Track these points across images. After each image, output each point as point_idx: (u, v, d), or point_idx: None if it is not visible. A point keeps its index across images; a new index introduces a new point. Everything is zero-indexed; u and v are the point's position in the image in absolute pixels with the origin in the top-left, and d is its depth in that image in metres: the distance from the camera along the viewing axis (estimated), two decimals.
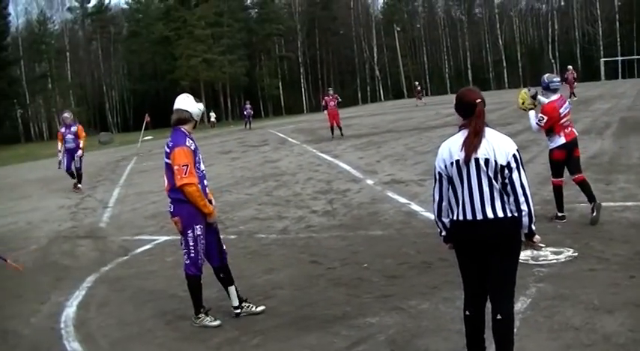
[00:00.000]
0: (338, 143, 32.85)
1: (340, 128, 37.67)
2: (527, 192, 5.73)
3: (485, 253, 5.85)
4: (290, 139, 39.63)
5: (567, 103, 12.12)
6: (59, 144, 24.72)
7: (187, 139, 8.08)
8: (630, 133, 23.29)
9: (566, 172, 11.83)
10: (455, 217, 5.98)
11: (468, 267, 6.10)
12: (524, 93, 12.20)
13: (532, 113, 11.98)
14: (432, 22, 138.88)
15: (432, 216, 13.24)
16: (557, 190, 12.00)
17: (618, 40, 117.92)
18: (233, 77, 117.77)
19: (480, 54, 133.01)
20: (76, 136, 24.48)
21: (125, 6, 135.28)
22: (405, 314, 8.01)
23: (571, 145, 11.78)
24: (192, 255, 8.17)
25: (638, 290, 8.01)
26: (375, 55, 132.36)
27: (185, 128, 8.21)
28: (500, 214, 5.73)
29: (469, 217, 5.85)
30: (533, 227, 5.87)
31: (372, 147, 29.07)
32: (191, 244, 8.14)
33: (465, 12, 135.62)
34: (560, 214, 11.85)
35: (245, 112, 67.67)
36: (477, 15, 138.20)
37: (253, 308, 8.61)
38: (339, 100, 39.09)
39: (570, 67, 55.22)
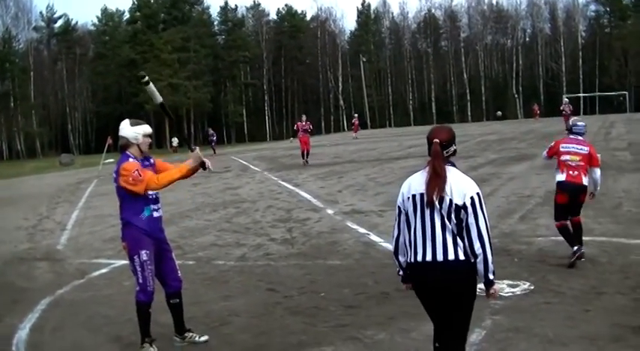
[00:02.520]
0: (299, 172, 32.86)
1: (308, 154, 38.51)
2: (483, 237, 5.49)
3: (437, 297, 5.70)
4: (252, 167, 39.61)
5: (580, 146, 11.69)
6: None
7: (130, 158, 8.01)
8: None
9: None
10: (409, 259, 5.82)
11: (427, 307, 5.92)
12: None
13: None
14: (398, 54, 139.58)
15: (390, 247, 13.30)
16: (563, 231, 11.50)
17: (581, 77, 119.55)
18: (197, 103, 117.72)
19: (444, 87, 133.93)
20: None
21: (92, 27, 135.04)
22: (361, 344, 8.00)
23: (573, 189, 11.53)
24: (141, 281, 8.04)
25: (593, 324, 8.07)
26: (340, 84, 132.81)
27: (131, 152, 8.14)
28: (451, 256, 5.51)
29: (419, 258, 5.65)
30: (491, 276, 5.60)
31: (333, 177, 29.10)
32: (138, 269, 8.02)
33: (431, 45, 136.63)
34: (575, 249, 11.03)
35: (209, 139, 68.74)
36: (442, 48, 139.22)
37: (196, 338, 8.53)
38: (311, 127, 40.50)
39: (567, 99, 55.37)
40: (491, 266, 5.55)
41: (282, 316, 9.44)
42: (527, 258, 11.67)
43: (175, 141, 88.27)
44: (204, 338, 8.53)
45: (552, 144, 12.11)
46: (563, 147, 11.76)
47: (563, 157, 11.67)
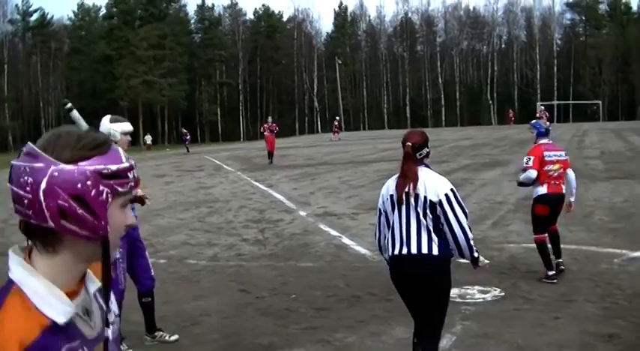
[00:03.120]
0: (273, 173, 32.88)
1: (272, 155, 40.32)
2: (464, 227, 5.86)
3: (412, 291, 5.96)
4: (225, 166, 39.55)
5: (560, 153, 11.19)
6: None
7: None
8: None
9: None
10: (389, 253, 6.13)
11: (406, 301, 6.22)
12: None
13: (522, 176, 11.23)
14: (374, 57, 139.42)
15: (362, 250, 13.40)
16: (541, 247, 10.86)
17: (555, 84, 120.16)
18: (172, 100, 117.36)
19: (419, 91, 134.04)
20: None
21: (68, 22, 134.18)
22: (331, 347, 8.01)
23: (555, 200, 10.95)
24: (112, 279, 7.99)
25: (563, 332, 8.11)
26: (315, 86, 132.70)
27: None
28: (425, 250, 5.82)
29: (397, 252, 5.98)
30: (476, 255, 6.01)
31: (306, 178, 29.13)
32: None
33: (407, 49, 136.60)
34: (550, 274, 10.53)
35: (183, 138, 70.90)
36: (418, 52, 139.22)
37: (167, 337, 8.50)
38: (277, 129, 43.19)
39: (542, 107, 55.66)
40: (474, 247, 5.98)
41: (253, 316, 9.44)
42: (499, 264, 11.71)
43: (149, 138, 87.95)
44: (174, 337, 8.51)
45: (532, 156, 11.05)
46: (547, 156, 10.95)
47: (547, 167, 10.89)
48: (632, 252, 12.29)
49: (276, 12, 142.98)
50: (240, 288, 11.01)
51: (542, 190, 10.94)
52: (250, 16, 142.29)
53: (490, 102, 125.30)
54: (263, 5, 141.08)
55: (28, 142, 1.90)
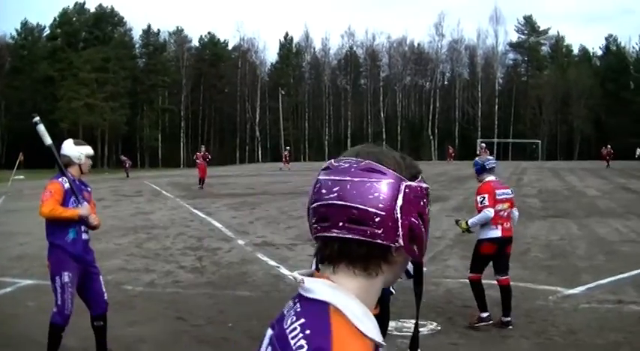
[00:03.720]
0: (212, 200, 32.79)
1: (203, 181, 43.11)
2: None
3: None
4: (164, 192, 39.33)
5: (507, 190, 10.65)
6: None
7: (63, 178, 7.93)
8: None
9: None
10: None
11: None
12: (464, 225, 10.78)
13: (472, 220, 10.58)
14: (317, 89, 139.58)
15: None
16: (477, 287, 10.34)
17: (496, 122, 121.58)
18: (113, 125, 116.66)
19: (361, 124, 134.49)
20: None
21: (10, 40, 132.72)
22: None
23: (504, 242, 10.34)
24: (59, 303, 7.92)
25: None
26: (258, 116, 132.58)
27: (70, 171, 8.08)
28: None
29: None
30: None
31: (245, 207, 29.09)
32: (58, 291, 7.92)
33: (351, 82, 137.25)
34: (484, 315, 10.15)
35: (122, 164, 72.05)
36: (361, 86, 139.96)
37: None
38: (209, 158, 47.73)
39: (484, 144, 56.12)
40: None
41: (189, 345, 9.38)
42: (435, 298, 11.79)
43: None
44: None
45: (486, 194, 10.28)
46: (498, 194, 10.33)
47: (498, 207, 10.26)
48: (567, 289, 12.47)
49: (222, 40, 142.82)
50: (176, 315, 10.93)
51: (496, 233, 10.28)
52: (195, 43, 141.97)
53: (431, 137, 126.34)
54: (209, 33, 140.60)
55: (357, 158, 1.84)
